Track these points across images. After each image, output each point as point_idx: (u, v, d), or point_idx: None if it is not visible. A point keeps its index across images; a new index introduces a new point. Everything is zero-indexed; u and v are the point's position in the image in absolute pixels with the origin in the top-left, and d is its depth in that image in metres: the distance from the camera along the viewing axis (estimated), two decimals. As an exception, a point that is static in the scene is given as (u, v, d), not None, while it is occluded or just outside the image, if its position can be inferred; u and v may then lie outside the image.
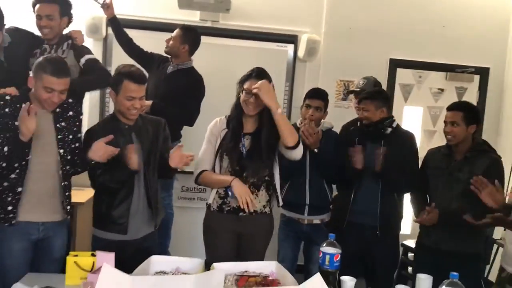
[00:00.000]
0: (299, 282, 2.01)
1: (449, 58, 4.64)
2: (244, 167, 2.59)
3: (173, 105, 3.45)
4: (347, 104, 4.44)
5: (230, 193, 2.55)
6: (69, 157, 2.51)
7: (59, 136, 2.48)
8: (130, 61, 3.49)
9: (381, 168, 2.98)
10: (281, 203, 2.71)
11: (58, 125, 2.48)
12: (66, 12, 3.16)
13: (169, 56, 3.70)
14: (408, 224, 3.18)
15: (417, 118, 4.75)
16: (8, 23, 3.03)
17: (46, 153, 2.44)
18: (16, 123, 2.28)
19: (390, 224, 3.09)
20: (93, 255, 2.24)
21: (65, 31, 3.23)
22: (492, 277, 3.42)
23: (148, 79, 3.05)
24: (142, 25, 4.21)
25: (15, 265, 2.39)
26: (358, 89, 3.59)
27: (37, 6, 3.09)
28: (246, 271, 2.18)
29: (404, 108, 4.73)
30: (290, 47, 4.48)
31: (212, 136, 2.69)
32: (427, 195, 3.07)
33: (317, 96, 3.17)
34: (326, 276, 2.07)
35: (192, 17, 4.32)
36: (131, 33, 3.80)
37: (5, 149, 2.29)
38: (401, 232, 3.26)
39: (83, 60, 3.13)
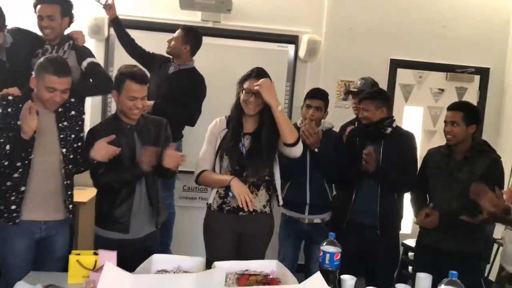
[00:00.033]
0: (300, 281, 2.02)
1: (449, 58, 4.65)
2: (244, 167, 2.61)
3: (175, 105, 3.47)
4: (348, 104, 4.44)
5: (230, 193, 2.56)
6: (71, 156, 2.53)
7: (61, 136, 2.50)
8: (132, 61, 3.50)
9: (375, 168, 2.99)
10: (281, 202, 2.72)
11: (60, 124, 2.50)
12: (67, 12, 3.17)
13: (171, 57, 3.72)
14: (408, 223, 3.19)
15: (418, 118, 4.76)
16: (10, 23, 3.04)
17: (48, 152, 2.46)
18: (19, 122, 2.30)
19: (390, 223, 3.11)
20: (95, 253, 2.25)
21: (66, 31, 3.24)
22: (493, 276, 3.43)
23: (150, 80, 3.07)
24: (144, 25, 4.23)
25: (18, 263, 2.41)
26: (355, 90, 3.62)
27: (38, 6, 3.09)
28: (247, 270, 2.20)
29: (405, 108, 4.74)
30: (291, 47, 4.49)
31: (212, 136, 2.70)
32: (427, 195, 3.09)
33: (318, 96, 3.19)
34: (326, 275, 2.08)
35: (194, 17, 4.33)
36: (133, 33, 3.81)
37: (7, 147, 2.31)
38: (402, 231, 3.26)
39: (84, 63, 3.14)
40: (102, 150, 2.39)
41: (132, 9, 4.22)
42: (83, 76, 3.16)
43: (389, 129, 3.10)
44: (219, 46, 4.36)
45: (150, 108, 3.26)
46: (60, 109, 2.50)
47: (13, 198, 2.39)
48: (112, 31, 3.95)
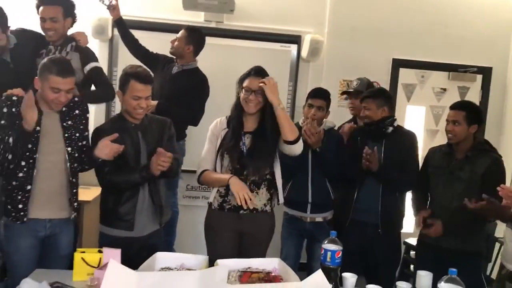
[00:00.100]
0: (302, 280, 2.03)
1: (451, 58, 4.66)
2: (244, 166, 2.62)
3: (178, 105, 3.49)
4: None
5: (230, 192, 2.58)
6: (76, 155, 2.56)
7: (66, 135, 2.52)
8: (135, 61, 3.53)
9: (378, 167, 3.01)
10: (281, 201, 2.73)
11: (64, 123, 2.53)
12: (69, 13, 3.17)
13: (174, 57, 3.74)
14: (410, 222, 3.20)
15: (420, 118, 4.77)
16: (14, 23, 3.06)
17: (53, 151, 2.49)
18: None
19: (391, 222, 3.12)
20: (99, 251, 2.28)
21: (69, 32, 3.24)
22: (494, 275, 3.44)
23: (154, 80, 3.08)
24: (147, 26, 4.25)
25: (23, 261, 2.44)
26: (351, 90, 3.64)
27: (41, 8, 3.09)
28: (249, 268, 2.22)
29: (407, 108, 4.75)
30: (293, 47, 4.51)
31: (213, 136, 2.73)
32: (428, 194, 3.10)
33: (319, 95, 3.20)
34: (327, 273, 2.10)
35: (197, 18, 4.36)
36: (137, 34, 3.84)
37: (10, 140, 2.33)
38: (404, 230, 3.27)
39: (88, 67, 3.16)
40: (106, 149, 2.42)
41: (136, 10, 4.24)
42: (85, 79, 3.18)
43: (391, 128, 3.11)
44: (222, 46, 4.38)
45: (153, 108, 3.28)
46: (64, 109, 2.52)
47: (19, 197, 2.42)
48: (116, 31, 3.96)
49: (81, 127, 2.61)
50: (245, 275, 2.14)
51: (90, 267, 2.23)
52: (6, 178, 2.46)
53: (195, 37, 3.69)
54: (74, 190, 2.57)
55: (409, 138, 3.17)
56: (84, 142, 2.62)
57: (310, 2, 4.54)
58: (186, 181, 4.35)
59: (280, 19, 4.47)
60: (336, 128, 3.38)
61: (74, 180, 2.56)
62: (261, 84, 2.54)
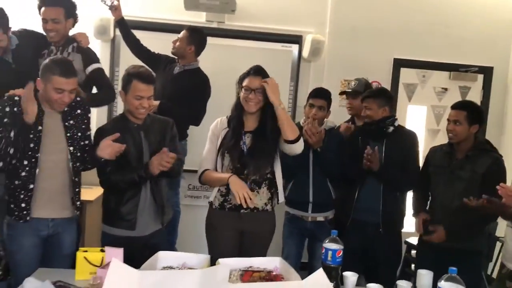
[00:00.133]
0: (303, 279, 2.04)
1: (452, 58, 4.66)
2: (245, 165, 2.63)
3: (180, 105, 3.50)
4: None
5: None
6: (78, 154, 2.57)
7: (68, 134, 2.54)
8: (137, 62, 3.53)
9: (378, 167, 3.02)
10: (281, 200, 2.74)
11: (66, 123, 2.54)
12: (71, 14, 3.18)
13: (176, 57, 3.75)
14: (412, 222, 3.21)
15: (421, 117, 4.78)
16: (16, 23, 3.07)
17: (55, 151, 2.51)
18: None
19: (392, 221, 3.12)
20: (102, 250, 2.29)
21: (71, 32, 3.25)
22: (495, 274, 3.44)
23: (155, 80, 3.10)
24: (149, 26, 4.27)
25: (26, 261, 2.45)
26: (350, 90, 3.65)
27: (43, 9, 3.10)
28: (250, 267, 2.23)
29: (408, 107, 4.75)
30: (294, 47, 4.52)
31: (213, 136, 2.74)
32: (429, 194, 3.11)
33: (320, 95, 3.21)
34: (328, 272, 2.11)
35: (198, 18, 4.37)
36: (139, 34, 3.85)
37: (12, 134, 2.35)
38: (405, 229, 3.28)
39: (90, 69, 3.18)
40: (108, 148, 2.44)
41: (138, 10, 4.26)
42: (87, 81, 3.19)
43: (391, 128, 3.12)
44: (224, 47, 4.39)
45: (155, 108, 3.29)
46: (66, 108, 2.54)
47: (22, 196, 2.43)
48: (117, 32, 3.98)
49: (83, 126, 2.62)
50: (247, 274, 2.15)
51: (92, 266, 2.24)
52: (9, 177, 2.48)
53: (197, 37, 3.70)
54: (77, 189, 2.59)
55: (410, 138, 3.17)
56: (87, 142, 2.63)
57: (311, 2, 4.54)
58: (188, 180, 4.36)
59: (281, 19, 4.48)
60: (336, 128, 3.38)
61: (76, 179, 2.58)
62: (263, 83, 2.56)
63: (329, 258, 2.18)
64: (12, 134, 2.35)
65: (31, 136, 2.42)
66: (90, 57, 3.24)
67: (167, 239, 3.04)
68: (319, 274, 2.03)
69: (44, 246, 2.54)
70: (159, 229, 2.69)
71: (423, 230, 3.03)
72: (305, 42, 4.45)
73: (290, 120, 2.62)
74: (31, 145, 2.42)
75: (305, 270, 3.15)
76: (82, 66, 3.15)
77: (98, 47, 4.16)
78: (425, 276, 2.29)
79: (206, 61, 3.85)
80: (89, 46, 3.32)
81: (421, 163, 3.23)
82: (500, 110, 4.75)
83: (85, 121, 2.65)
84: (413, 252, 4.02)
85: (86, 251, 2.30)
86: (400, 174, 3.06)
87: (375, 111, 3.10)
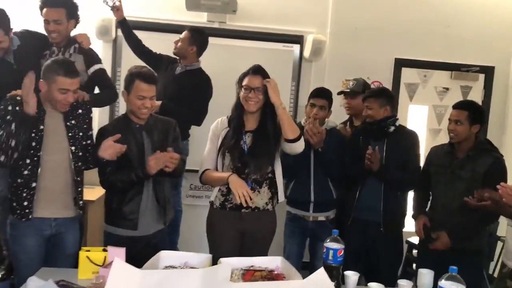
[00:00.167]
0: (304, 278, 2.05)
1: (454, 57, 4.66)
2: (246, 164, 2.64)
3: (182, 105, 3.51)
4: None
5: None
6: (80, 154, 2.59)
7: (69, 134, 2.56)
8: (139, 62, 3.54)
9: (379, 167, 3.02)
10: (281, 199, 2.75)
11: (68, 123, 2.56)
12: (73, 14, 3.18)
13: (178, 57, 3.76)
14: (412, 221, 3.22)
15: (422, 117, 4.78)
16: (18, 24, 3.07)
17: (57, 150, 2.52)
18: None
19: (393, 221, 3.13)
20: (104, 250, 2.30)
21: (72, 33, 3.26)
22: (497, 273, 3.45)
23: (157, 80, 3.11)
24: (151, 26, 4.28)
25: (29, 260, 2.46)
26: (348, 90, 3.66)
27: (44, 10, 3.10)
28: (252, 266, 2.23)
29: (409, 107, 4.75)
30: (296, 47, 4.52)
31: (214, 136, 2.75)
32: (430, 193, 3.11)
33: (322, 95, 3.22)
34: (329, 271, 2.11)
35: (200, 18, 4.38)
36: (140, 34, 3.86)
37: (13, 126, 2.36)
38: (406, 229, 3.28)
39: (92, 69, 3.19)
40: (109, 149, 2.45)
41: (139, 11, 4.26)
42: (89, 81, 3.20)
43: (392, 128, 3.12)
44: (225, 47, 4.40)
45: (157, 108, 3.31)
46: (67, 108, 2.55)
47: (24, 194, 2.45)
48: (119, 32, 3.99)
49: (85, 126, 2.64)
50: (248, 273, 2.16)
51: (95, 266, 2.25)
52: (11, 176, 2.50)
53: (198, 38, 3.71)
54: (79, 189, 2.60)
55: (411, 138, 3.18)
56: (88, 141, 2.65)
57: (312, 2, 4.55)
58: (190, 180, 4.37)
59: (283, 19, 4.49)
60: (337, 127, 3.39)
61: (79, 179, 2.59)
62: (265, 83, 2.58)
63: (330, 258, 2.19)
64: (13, 126, 2.36)
65: (33, 135, 2.43)
66: (92, 58, 3.25)
67: (169, 238, 3.05)
68: (321, 274, 2.03)
69: (47, 245, 2.56)
70: (161, 228, 2.70)
71: (423, 235, 3.03)
72: (306, 42, 4.45)
73: (291, 119, 2.64)
74: (33, 143, 2.44)
75: (306, 269, 3.15)
76: (84, 67, 3.15)
77: (100, 47, 4.18)
78: (426, 275, 2.30)
79: (208, 62, 3.86)
80: (91, 46, 3.34)
81: (422, 163, 3.23)
82: (501, 109, 4.74)
83: (87, 121, 2.66)
84: (414, 251, 4.03)
85: (88, 250, 2.31)
86: (401, 174, 3.07)
87: (376, 110, 3.11)
